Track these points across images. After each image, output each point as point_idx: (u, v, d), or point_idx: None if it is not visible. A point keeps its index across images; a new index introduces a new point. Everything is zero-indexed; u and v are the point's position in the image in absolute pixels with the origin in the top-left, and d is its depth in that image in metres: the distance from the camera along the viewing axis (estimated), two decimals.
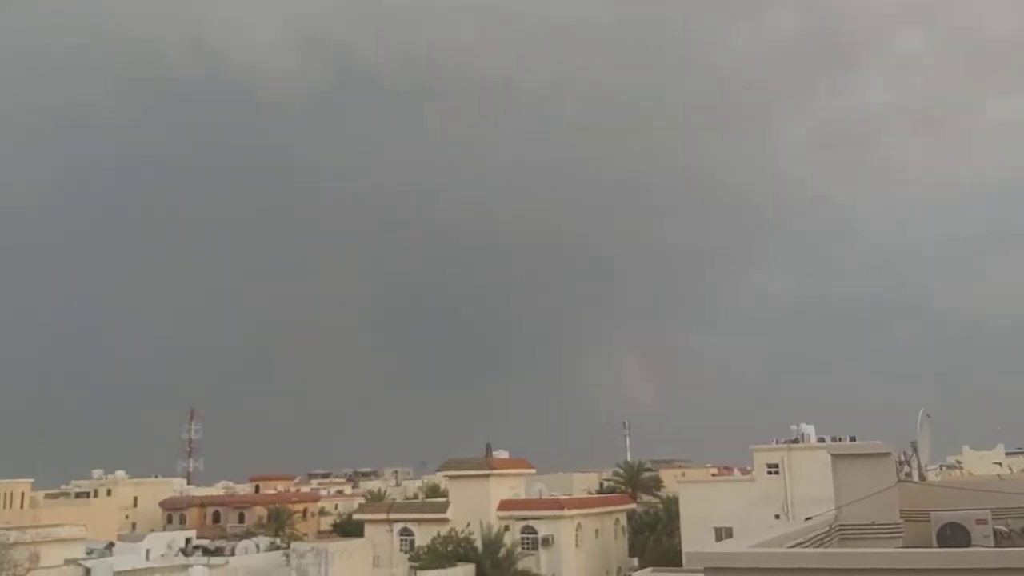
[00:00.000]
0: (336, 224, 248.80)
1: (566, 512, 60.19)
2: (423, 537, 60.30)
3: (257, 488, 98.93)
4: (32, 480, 72.35)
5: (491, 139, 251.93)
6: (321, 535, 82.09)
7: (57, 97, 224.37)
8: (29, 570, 45.55)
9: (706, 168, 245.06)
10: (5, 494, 67.99)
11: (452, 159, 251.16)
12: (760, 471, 55.38)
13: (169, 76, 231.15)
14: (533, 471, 68.36)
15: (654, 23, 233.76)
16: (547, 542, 59.04)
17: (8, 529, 49.67)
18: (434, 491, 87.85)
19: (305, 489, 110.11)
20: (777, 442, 56.40)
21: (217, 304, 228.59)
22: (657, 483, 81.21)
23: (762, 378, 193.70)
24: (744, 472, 70.65)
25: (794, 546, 9.24)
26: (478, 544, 55.97)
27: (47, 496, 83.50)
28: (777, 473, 54.14)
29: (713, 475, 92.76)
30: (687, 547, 51.24)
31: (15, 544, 46.58)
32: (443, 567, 53.30)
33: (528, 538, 59.65)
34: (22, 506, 66.68)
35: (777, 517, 50.05)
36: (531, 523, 60.07)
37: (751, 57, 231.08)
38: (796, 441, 55.68)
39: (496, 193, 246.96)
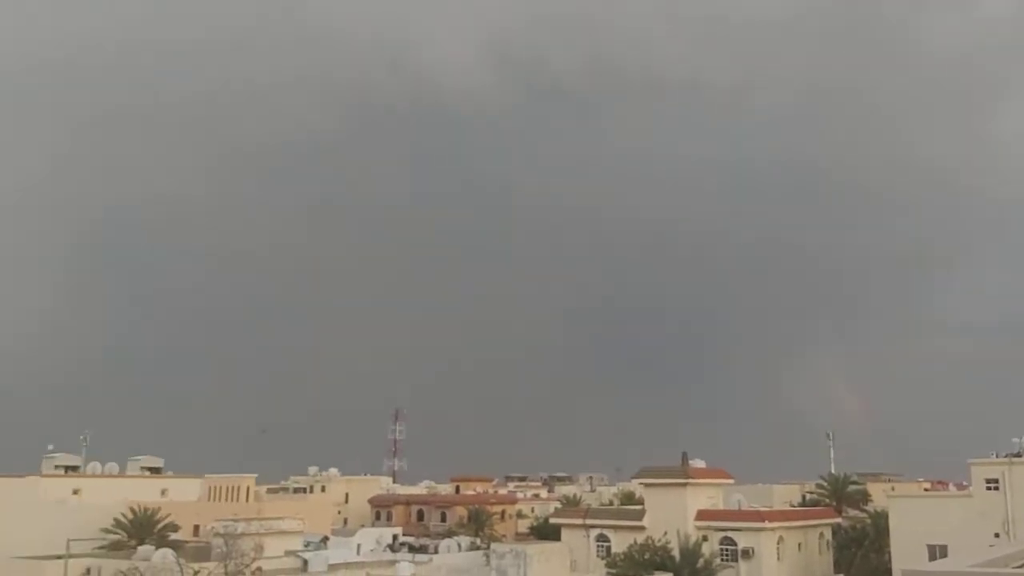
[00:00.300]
0: (532, 231, 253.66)
1: (767, 524, 58.63)
2: (619, 544, 60.33)
3: (457, 489, 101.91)
4: (256, 476, 77.70)
5: (682, 140, 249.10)
6: (519, 537, 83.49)
7: (281, 129, 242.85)
8: (254, 560, 49.04)
9: (923, 161, 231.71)
10: (232, 488, 73.47)
11: (646, 162, 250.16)
12: (978, 486, 52.13)
13: (376, 100, 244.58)
14: (731, 481, 67.02)
15: (858, 12, 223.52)
16: (747, 554, 57.71)
17: (236, 521, 53.73)
18: (629, 498, 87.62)
19: (502, 491, 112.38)
20: (997, 456, 52.91)
21: (420, 311, 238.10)
22: (864, 497, 77.69)
23: (981, 386, 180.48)
24: (960, 487, 66.55)
25: (1020, 567, 8.90)
26: (675, 553, 55.43)
27: (269, 491, 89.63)
28: (997, 489, 50.81)
29: (926, 489, 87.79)
30: (899, 564, 48.97)
31: (242, 535, 50.31)
32: (640, 575, 53.16)
33: (727, 550, 58.53)
34: (247, 499, 71.77)
35: (997, 536, 47.12)
36: (730, 534, 58.89)
37: (965, 42, 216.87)
38: (1019, 455, 52.04)
39: (692, 195, 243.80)
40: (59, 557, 50.11)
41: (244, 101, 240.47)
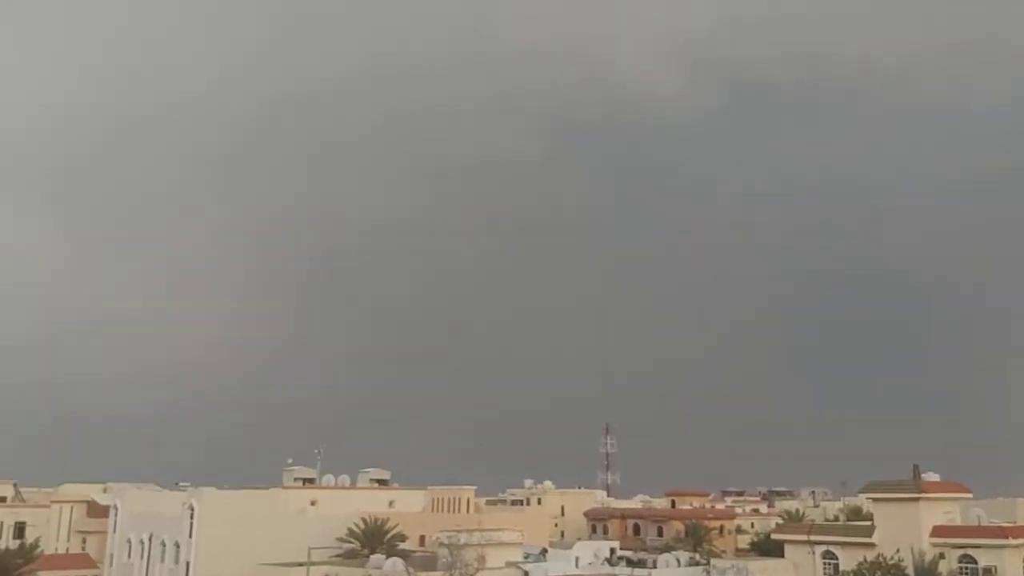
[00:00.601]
0: (742, 234, 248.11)
1: (1011, 541, 54.52)
2: (847, 561, 57.92)
3: (673, 503, 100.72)
4: (475, 488, 79.91)
5: (894, 126, 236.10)
6: (739, 553, 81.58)
7: (481, 148, 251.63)
8: (477, 570, 50.72)
9: None
10: (453, 499, 75.98)
11: (855, 152, 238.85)
12: None
13: (574, 115, 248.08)
14: (969, 495, 62.70)
15: None
16: (989, 573, 53.88)
17: (459, 531, 55.69)
18: (856, 513, 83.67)
19: (719, 506, 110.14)
20: None
21: (631, 322, 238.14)
22: None
23: None
24: None
25: None
26: (909, 572, 52.55)
27: (487, 503, 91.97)
28: None
29: None
30: None
31: (465, 546, 52.16)
32: None
33: (967, 568, 54.91)
34: (468, 511, 74.03)
35: None
36: (970, 552, 55.18)
37: None
38: None
39: (915, 185, 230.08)
40: (301, 564, 53.77)
41: (451, 123, 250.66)
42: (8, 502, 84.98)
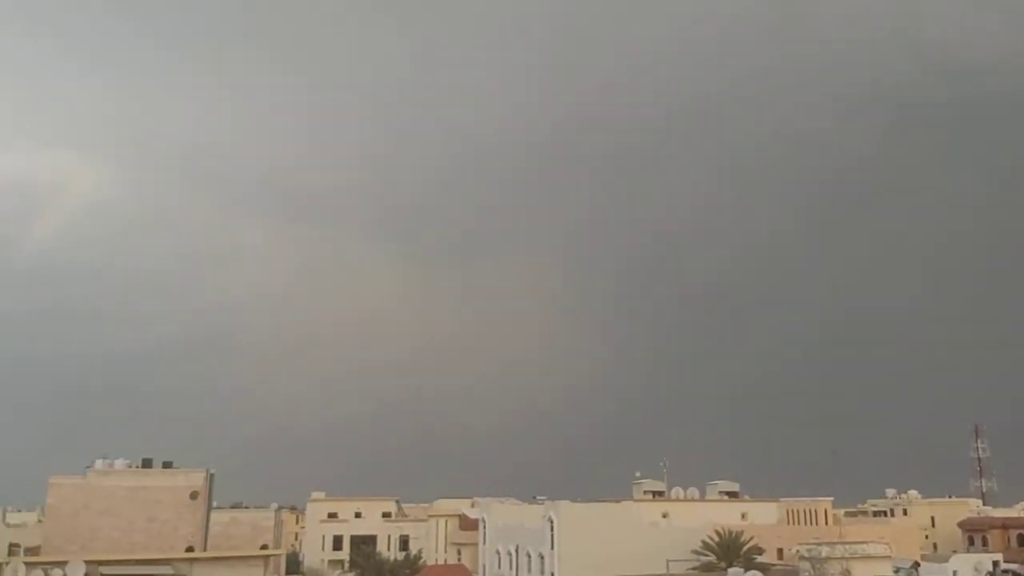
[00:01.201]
0: None
1: None
2: None
3: None
4: (832, 499, 76.75)
5: None
6: None
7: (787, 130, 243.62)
8: None
9: None
10: (809, 511, 73.52)
11: None
12: None
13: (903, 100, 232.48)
14: None
15: None
16: None
17: (820, 544, 53.78)
18: None
19: None
20: None
21: (997, 311, 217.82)
22: None
23: None
24: None
25: None
26: None
27: (846, 514, 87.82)
28: None
29: None
30: None
31: (828, 559, 50.33)
32: None
33: None
34: (826, 523, 71.24)
35: None
36: None
37: None
38: None
39: None
40: None
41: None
42: (392, 517, 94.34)
